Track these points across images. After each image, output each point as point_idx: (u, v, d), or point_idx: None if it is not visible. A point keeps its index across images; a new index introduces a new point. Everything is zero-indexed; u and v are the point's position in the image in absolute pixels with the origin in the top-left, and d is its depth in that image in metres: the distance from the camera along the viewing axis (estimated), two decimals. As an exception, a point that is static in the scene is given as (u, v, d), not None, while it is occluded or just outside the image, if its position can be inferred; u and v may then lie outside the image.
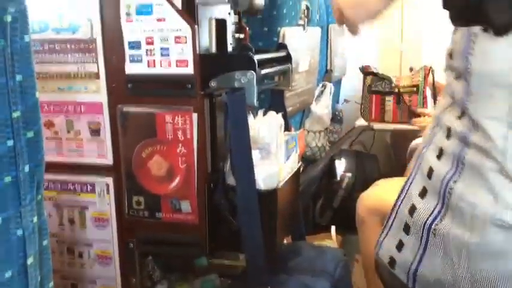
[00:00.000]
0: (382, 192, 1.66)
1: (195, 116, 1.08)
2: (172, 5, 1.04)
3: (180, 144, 1.10)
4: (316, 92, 2.12)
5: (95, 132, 1.15)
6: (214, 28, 1.10)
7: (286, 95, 1.51)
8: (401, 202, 0.89)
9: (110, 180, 1.16)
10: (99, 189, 1.17)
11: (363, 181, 2.41)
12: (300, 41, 1.72)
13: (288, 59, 1.36)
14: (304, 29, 1.77)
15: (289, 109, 1.55)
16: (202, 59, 1.07)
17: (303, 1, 1.72)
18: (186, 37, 1.05)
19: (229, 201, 1.14)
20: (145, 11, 1.05)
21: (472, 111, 0.77)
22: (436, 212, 0.81)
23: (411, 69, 2.62)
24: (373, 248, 0.94)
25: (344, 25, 0.92)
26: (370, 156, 2.79)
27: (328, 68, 2.29)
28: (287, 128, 1.36)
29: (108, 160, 1.16)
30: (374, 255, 0.93)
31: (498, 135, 0.73)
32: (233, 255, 1.27)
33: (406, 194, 0.88)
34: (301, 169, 1.45)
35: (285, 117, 1.32)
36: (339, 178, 2.47)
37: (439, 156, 0.82)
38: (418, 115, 2.31)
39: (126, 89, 1.11)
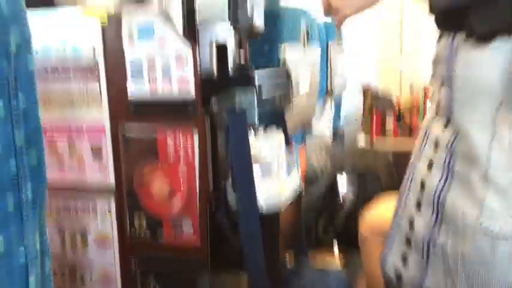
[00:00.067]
0: (385, 211, 1.65)
1: (196, 135, 1.09)
2: (173, 27, 1.06)
3: (182, 164, 1.10)
4: (317, 111, 2.13)
5: (97, 153, 1.16)
6: (214, 49, 1.11)
7: (286, 114, 1.52)
8: (401, 215, 0.89)
9: (111, 201, 1.17)
10: (100, 210, 1.18)
11: (365, 199, 2.40)
12: (300, 60, 1.74)
13: (288, 78, 1.37)
14: (304, 48, 1.79)
15: (290, 128, 1.56)
16: (203, 80, 1.08)
17: (302, 23, 1.74)
18: (187, 58, 1.07)
19: (231, 221, 1.14)
20: (147, 34, 1.07)
21: (457, 118, 0.78)
22: (432, 224, 0.81)
23: (411, 87, 2.64)
24: (377, 267, 0.94)
25: (331, 15, 0.92)
26: (372, 175, 2.78)
27: (329, 86, 2.30)
28: (288, 143, 1.37)
29: (110, 181, 1.16)
30: (381, 271, 0.93)
31: (482, 143, 0.73)
32: (235, 275, 1.26)
33: (404, 206, 0.88)
34: (304, 188, 1.45)
35: (285, 133, 1.32)
36: (341, 196, 2.47)
37: (429, 168, 0.82)
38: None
39: (127, 110, 1.12)
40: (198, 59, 1.06)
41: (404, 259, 0.86)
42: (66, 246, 1.22)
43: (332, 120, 2.21)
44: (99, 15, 1.08)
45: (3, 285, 0.63)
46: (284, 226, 1.22)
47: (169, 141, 1.10)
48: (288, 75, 1.39)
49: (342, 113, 2.72)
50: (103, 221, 1.18)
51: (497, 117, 0.72)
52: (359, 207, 2.36)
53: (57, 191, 1.17)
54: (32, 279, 0.66)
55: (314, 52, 1.92)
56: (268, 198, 1.14)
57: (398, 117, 2.49)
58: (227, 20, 1.07)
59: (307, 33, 1.81)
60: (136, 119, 1.12)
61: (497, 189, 0.72)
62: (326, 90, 2.27)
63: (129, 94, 1.11)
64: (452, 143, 0.78)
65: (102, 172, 1.17)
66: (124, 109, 1.12)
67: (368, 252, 1.71)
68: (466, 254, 0.75)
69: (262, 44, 1.48)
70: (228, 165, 1.10)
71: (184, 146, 1.09)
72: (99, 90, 1.13)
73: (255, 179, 1.11)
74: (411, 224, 0.85)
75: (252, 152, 1.11)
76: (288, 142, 1.35)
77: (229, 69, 1.16)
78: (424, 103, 2.45)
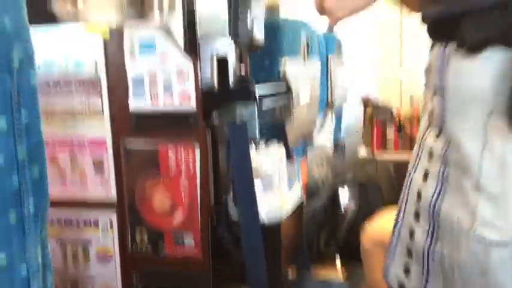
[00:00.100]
0: (387, 223, 1.64)
1: (197, 149, 1.09)
2: (175, 42, 1.07)
3: (183, 178, 1.10)
4: (318, 123, 2.14)
5: (99, 167, 1.16)
6: (215, 63, 1.12)
7: (287, 126, 1.53)
8: (401, 225, 0.89)
9: (113, 215, 1.17)
10: (102, 225, 1.18)
11: (367, 211, 2.39)
12: (301, 74, 1.75)
13: (288, 91, 1.38)
14: (304, 61, 1.80)
15: (291, 140, 1.56)
16: (205, 93, 1.09)
17: (302, 35, 1.75)
18: (188, 72, 1.07)
19: (232, 234, 1.14)
20: (149, 49, 1.07)
21: (449, 127, 0.78)
22: (429, 234, 0.81)
23: (411, 98, 2.65)
24: (379, 279, 0.94)
25: (323, 15, 0.92)
26: (373, 186, 2.78)
27: (329, 98, 2.31)
28: (289, 157, 1.37)
29: (112, 195, 1.17)
30: (383, 282, 0.93)
31: (474, 152, 0.74)
32: (238, 289, 1.26)
33: (403, 217, 0.89)
34: (305, 200, 1.45)
35: (287, 147, 1.33)
36: (343, 209, 2.46)
37: (425, 178, 0.83)
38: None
39: (129, 124, 1.12)
40: (199, 73, 1.07)
41: (407, 270, 0.86)
42: (68, 261, 1.22)
43: (333, 132, 2.21)
44: (101, 31, 1.09)
45: (5, 300, 0.63)
46: (286, 240, 1.21)
47: (171, 155, 1.10)
48: (288, 88, 1.40)
49: (343, 125, 2.73)
50: (105, 235, 1.18)
51: (488, 126, 0.72)
52: (361, 218, 2.35)
53: (59, 205, 1.17)
54: (34, 294, 0.66)
55: (314, 65, 1.93)
56: (269, 211, 1.14)
57: (399, 128, 2.50)
58: (228, 34, 1.08)
59: (307, 46, 1.82)
60: (138, 133, 1.12)
61: (489, 197, 0.72)
62: (326, 103, 2.28)
63: (130, 108, 1.11)
64: (445, 152, 0.78)
65: (104, 186, 1.17)
66: (126, 123, 1.13)
67: (370, 264, 1.70)
68: (462, 262, 0.75)
69: (263, 57, 1.49)
70: (230, 178, 1.11)
71: (186, 160, 1.10)
72: (101, 104, 1.14)
73: (257, 193, 1.11)
74: (411, 234, 0.85)
75: (253, 165, 1.11)
76: (289, 156, 1.36)
77: (230, 82, 1.17)
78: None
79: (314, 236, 2.38)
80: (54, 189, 1.18)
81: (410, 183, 0.87)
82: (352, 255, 1.86)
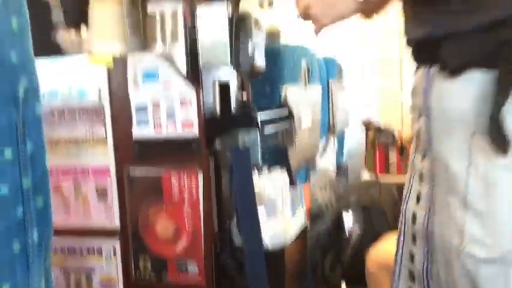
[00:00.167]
0: (392, 247, 1.63)
1: (200, 176, 1.10)
2: (178, 70, 1.08)
3: (187, 205, 1.11)
4: (320, 147, 2.14)
5: (102, 195, 1.17)
6: (218, 90, 1.14)
7: (290, 151, 1.53)
8: (401, 253, 0.90)
9: (116, 243, 1.16)
10: (106, 253, 1.17)
11: (371, 235, 2.38)
12: (302, 99, 1.76)
13: (290, 116, 1.39)
14: (305, 86, 1.82)
15: (293, 165, 1.57)
16: (207, 120, 1.10)
17: (303, 60, 1.78)
18: (190, 100, 1.09)
19: (236, 261, 1.13)
20: (152, 78, 1.09)
21: (435, 147, 0.80)
22: (426, 255, 0.83)
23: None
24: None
25: (306, 21, 0.93)
26: (377, 209, 2.77)
27: (331, 122, 2.33)
28: (292, 183, 1.37)
29: (115, 223, 1.17)
30: None
31: (460, 170, 0.75)
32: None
33: (403, 240, 0.90)
34: (309, 225, 1.45)
35: (289, 173, 1.33)
36: (347, 233, 2.45)
37: (417, 201, 0.85)
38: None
39: (133, 152, 1.13)
40: (201, 100, 1.08)
41: None
42: (71, 290, 1.21)
43: (335, 156, 2.21)
44: (105, 62, 1.11)
45: (8, 332, 0.63)
46: (290, 265, 1.21)
47: (174, 182, 1.11)
48: (289, 113, 1.41)
49: (345, 149, 2.74)
50: (108, 263, 1.18)
51: (472, 146, 0.74)
52: (365, 242, 2.34)
53: (62, 233, 1.17)
54: (37, 325, 0.66)
55: (315, 89, 1.95)
56: (273, 237, 1.14)
57: (401, 151, 2.50)
58: (229, 62, 1.10)
59: (308, 71, 1.84)
60: (141, 160, 1.13)
61: (476, 214, 0.73)
62: (328, 127, 2.29)
63: (134, 136, 1.12)
64: (432, 172, 0.80)
65: (107, 214, 1.17)
66: (129, 151, 1.14)
67: (376, 287, 1.68)
68: (456, 280, 0.76)
69: (264, 83, 1.51)
70: (233, 205, 1.11)
71: (189, 186, 1.10)
72: (104, 132, 1.15)
73: (260, 219, 1.11)
74: (411, 258, 0.86)
75: (256, 191, 1.12)
76: (292, 181, 1.36)
77: (232, 108, 1.18)
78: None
79: (319, 260, 2.36)
80: (58, 218, 1.18)
81: (406, 208, 0.89)
82: (357, 279, 1.84)
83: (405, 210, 0.89)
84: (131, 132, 1.12)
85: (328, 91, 2.25)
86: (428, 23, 0.79)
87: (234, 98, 1.21)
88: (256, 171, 1.21)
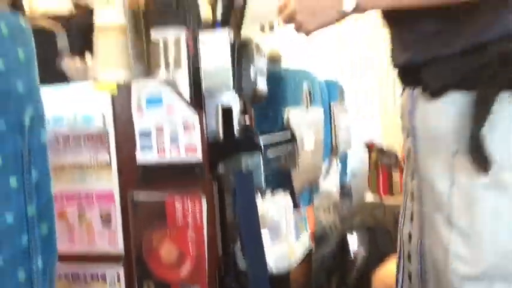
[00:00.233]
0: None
1: (204, 200, 1.10)
2: (181, 95, 1.10)
3: (190, 229, 1.10)
4: (323, 168, 2.15)
5: (106, 221, 1.17)
6: (220, 115, 1.15)
7: (293, 173, 1.54)
8: (402, 269, 0.91)
9: (120, 269, 1.16)
10: (110, 279, 1.17)
11: (377, 257, 2.36)
12: (304, 121, 1.78)
13: (293, 139, 1.40)
14: (307, 109, 1.83)
15: (297, 187, 1.57)
16: (210, 144, 1.11)
17: (304, 84, 1.79)
18: (194, 124, 1.10)
19: (241, 285, 1.12)
20: (155, 103, 1.10)
21: (421, 167, 0.82)
22: (419, 274, 0.84)
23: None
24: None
25: (289, 25, 0.95)
26: (382, 230, 2.75)
27: (333, 144, 2.33)
28: (296, 206, 1.37)
29: (119, 249, 1.16)
30: None
31: (444, 188, 0.77)
32: None
33: (402, 260, 0.92)
34: (313, 247, 1.44)
35: (293, 196, 1.33)
36: (352, 254, 2.42)
37: (411, 220, 0.87)
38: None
39: (136, 177, 1.14)
40: (204, 125, 1.09)
41: None
42: (75, 317, 1.20)
43: (339, 178, 2.21)
44: (110, 89, 1.13)
45: None
46: (295, 287, 1.20)
47: (178, 207, 1.11)
48: (292, 136, 1.42)
49: (348, 170, 2.74)
50: (112, 290, 1.17)
51: (454, 165, 0.76)
52: (371, 264, 2.31)
53: (66, 260, 1.17)
54: None
55: (317, 112, 1.96)
56: (278, 260, 1.13)
57: (405, 172, 2.50)
58: (232, 87, 1.11)
59: (310, 94, 1.86)
60: (145, 185, 1.13)
61: (459, 231, 0.75)
62: (331, 148, 2.30)
63: (138, 161, 1.13)
64: (420, 191, 0.82)
65: (112, 239, 1.17)
66: (133, 176, 1.14)
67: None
68: None
69: (266, 107, 1.52)
70: (236, 228, 1.11)
71: (193, 211, 1.10)
72: (108, 157, 1.16)
73: (265, 242, 1.10)
74: (409, 277, 0.88)
75: (260, 214, 1.12)
76: (296, 205, 1.36)
77: (235, 131, 1.19)
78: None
79: (324, 283, 2.33)
80: (62, 244, 1.18)
81: (402, 228, 0.91)
82: (364, 302, 1.82)
83: (402, 230, 0.91)
84: (135, 157, 1.13)
85: (330, 113, 2.27)
86: (409, 49, 0.83)
87: (237, 122, 1.22)
88: (259, 194, 1.21)
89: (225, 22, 1.21)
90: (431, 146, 0.80)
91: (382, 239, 2.61)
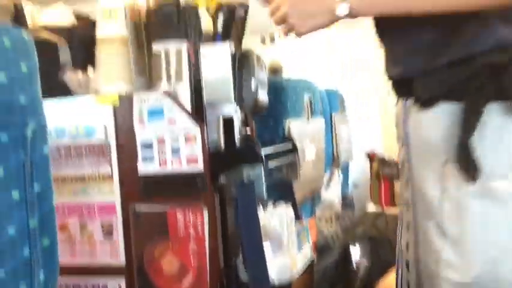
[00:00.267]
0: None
1: (205, 211, 1.10)
2: (182, 107, 1.10)
3: (192, 241, 1.10)
4: (325, 179, 2.14)
5: (108, 233, 1.16)
6: (222, 126, 1.15)
7: (294, 184, 1.53)
8: (401, 279, 0.92)
9: (122, 281, 1.15)
10: (111, 291, 1.16)
11: (379, 267, 2.35)
12: (305, 132, 1.78)
13: (294, 150, 1.40)
14: (308, 120, 1.83)
15: (298, 198, 1.57)
16: (212, 155, 1.11)
17: (305, 94, 1.80)
18: (195, 136, 1.10)
19: (243, 297, 1.12)
20: (157, 115, 1.11)
21: (415, 175, 0.84)
22: (416, 283, 0.85)
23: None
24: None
25: (280, 27, 0.96)
26: (385, 241, 2.74)
27: (335, 155, 2.33)
28: (297, 217, 1.37)
29: (121, 261, 1.16)
30: None
31: (435, 197, 0.79)
32: None
33: (401, 269, 0.92)
34: (316, 258, 1.44)
35: (294, 207, 1.33)
36: (354, 265, 2.41)
37: (407, 229, 0.88)
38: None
39: (138, 188, 1.14)
40: (206, 136, 1.09)
41: None
42: (76, 329, 1.19)
43: (341, 188, 2.21)
44: (111, 101, 1.13)
45: None
46: (297, 300, 1.19)
47: (179, 219, 1.11)
48: (293, 146, 1.42)
49: (350, 180, 2.73)
50: (113, 302, 1.16)
51: (445, 173, 0.77)
52: (374, 274, 2.30)
53: (68, 271, 1.17)
54: None
55: (318, 122, 1.97)
56: (280, 272, 1.12)
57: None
58: (233, 99, 1.12)
59: (311, 104, 1.86)
60: (147, 197, 1.13)
61: (450, 239, 0.77)
62: (332, 159, 2.30)
63: (139, 172, 1.13)
64: (414, 200, 0.84)
65: (113, 251, 1.16)
66: (135, 187, 1.14)
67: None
68: None
69: (267, 118, 1.52)
70: (238, 240, 1.10)
71: (194, 222, 1.10)
72: (110, 169, 1.16)
73: (266, 254, 1.10)
74: (408, 286, 0.89)
75: (262, 226, 1.12)
76: (297, 216, 1.36)
77: (236, 142, 1.19)
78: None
79: (327, 294, 2.31)
80: (64, 256, 1.17)
81: (401, 238, 0.92)
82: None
83: (400, 240, 0.92)
84: (137, 168, 1.13)
85: (331, 124, 2.27)
86: (400, 63, 0.85)
87: (238, 133, 1.22)
88: (261, 206, 1.21)
89: (226, 34, 1.22)
90: (423, 155, 0.82)
91: (384, 249, 2.59)
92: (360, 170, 2.81)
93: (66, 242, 1.19)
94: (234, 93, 1.11)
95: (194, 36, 1.14)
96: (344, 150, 2.41)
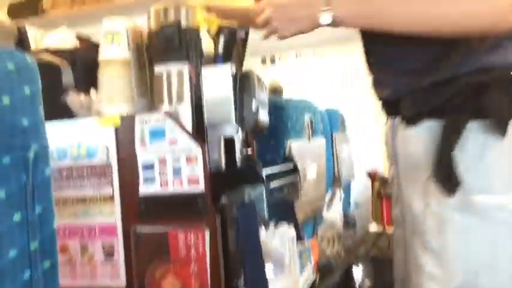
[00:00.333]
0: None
1: (207, 232, 1.09)
2: (183, 128, 1.11)
3: (193, 263, 1.09)
4: (327, 199, 2.14)
5: (109, 254, 1.16)
6: (223, 146, 1.15)
7: (296, 204, 1.53)
8: None
9: (123, 303, 1.14)
10: (112, 313, 1.15)
11: (381, 285, 2.33)
12: (306, 152, 1.78)
13: (295, 170, 1.40)
14: (309, 140, 1.84)
15: (300, 218, 1.56)
16: (213, 176, 1.11)
17: (306, 114, 1.81)
18: (196, 156, 1.10)
19: (244, 320, 1.11)
20: (159, 136, 1.11)
21: (403, 191, 0.87)
22: None
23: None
24: None
25: (262, 30, 0.98)
26: (387, 260, 2.72)
27: (336, 174, 2.33)
28: (299, 238, 1.36)
29: (121, 282, 1.15)
30: None
31: (419, 211, 0.82)
32: None
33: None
34: (318, 279, 1.43)
35: (296, 227, 1.32)
36: (357, 286, 2.39)
37: (398, 247, 0.92)
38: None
39: (139, 209, 1.13)
40: (207, 157, 1.10)
41: None
42: None
43: (342, 207, 2.21)
44: (113, 122, 1.14)
45: None
46: (300, 322, 1.18)
47: (181, 240, 1.10)
48: (294, 166, 1.42)
49: (352, 200, 2.72)
50: (114, 325, 1.15)
51: (427, 188, 0.80)
52: (377, 295, 2.27)
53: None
54: None
55: (319, 142, 1.97)
56: (282, 293, 1.12)
57: (408, 201, 2.48)
58: (234, 119, 1.12)
59: (311, 124, 1.87)
60: (148, 218, 1.13)
61: (431, 252, 0.79)
62: (334, 179, 2.30)
63: (140, 193, 1.13)
64: (403, 216, 0.87)
65: (114, 273, 1.16)
66: (136, 208, 1.14)
67: None
68: None
69: (268, 138, 1.53)
70: (240, 261, 1.10)
71: (196, 244, 1.09)
72: (111, 190, 1.16)
73: (268, 276, 1.09)
74: None
75: (263, 247, 1.11)
76: (299, 237, 1.35)
77: (237, 162, 1.20)
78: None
79: (330, 316, 2.28)
80: (64, 278, 1.17)
81: (397, 257, 0.95)
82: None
83: (397, 259, 0.95)
84: (138, 189, 1.13)
85: (332, 143, 2.27)
86: (390, 85, 0.89)
87: (239, 153, 1.22)
88: (263, 226, 1.20)
89: (227, 56, 1.23)
90: (410, 171, 0.85)
91: (387, 268, 2.57)
92: (361, 189, 2.80)
93: (66, 263, 1.18)
94: (235, 114, 1.12)
95: (195, 57, 1.15)
96: (345, 170, 2.41)
